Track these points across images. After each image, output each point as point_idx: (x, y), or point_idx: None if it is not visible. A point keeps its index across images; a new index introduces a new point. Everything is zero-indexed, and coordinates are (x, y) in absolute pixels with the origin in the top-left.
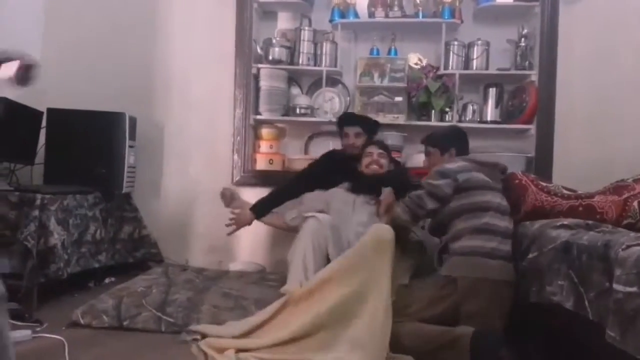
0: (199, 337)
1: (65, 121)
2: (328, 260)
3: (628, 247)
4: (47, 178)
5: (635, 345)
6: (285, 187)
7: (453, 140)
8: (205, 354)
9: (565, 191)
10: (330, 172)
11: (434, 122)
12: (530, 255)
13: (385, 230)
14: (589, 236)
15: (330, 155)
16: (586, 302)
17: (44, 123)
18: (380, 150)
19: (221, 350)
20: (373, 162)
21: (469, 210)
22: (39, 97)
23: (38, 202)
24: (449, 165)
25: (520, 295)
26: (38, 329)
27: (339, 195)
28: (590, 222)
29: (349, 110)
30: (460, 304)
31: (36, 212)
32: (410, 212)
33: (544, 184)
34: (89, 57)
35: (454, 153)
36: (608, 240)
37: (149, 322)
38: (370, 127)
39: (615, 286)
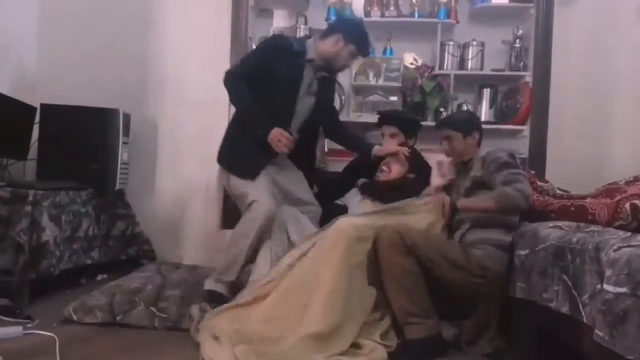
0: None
1: (58, 117)
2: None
3: (619, 248)
4: (39, 174)
5: (624, 345)
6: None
7: (475, 124)
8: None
9: (558, 191)
10: (366, 167)
11: (428, 122)
12: (522, 253)
13: (345, 226)
14: (579, 238)
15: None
16: (580, 306)
17: (37, 119)
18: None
19: (213, 338)
20: (382, 165)
21: None
22: (33, 92)
23: (30, 198)
24: (510, 159)
25: (509, 289)
26: (29, 325)
27: (350, 196)
28: (581, 224)
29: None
30: (478, 296)
31: (28, 208)
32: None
33: (540, 183)
34: (83, 52)
35: (477, 137)
36: (599, 241)
37: (142, 318)
38: (407, 128)
39: (606, 286)
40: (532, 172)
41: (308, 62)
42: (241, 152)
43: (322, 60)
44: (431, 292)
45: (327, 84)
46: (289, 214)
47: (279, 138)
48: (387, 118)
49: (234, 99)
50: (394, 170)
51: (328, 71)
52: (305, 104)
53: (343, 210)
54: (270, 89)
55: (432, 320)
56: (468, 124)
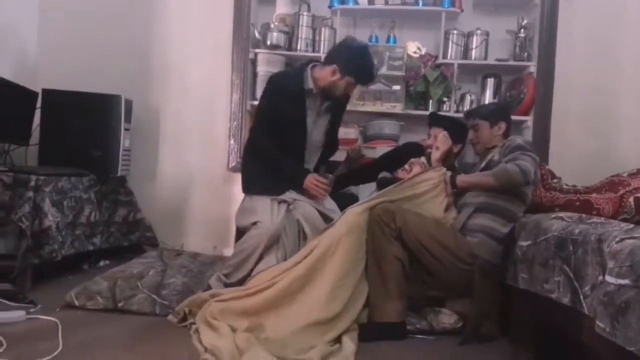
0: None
1: (60, 102)
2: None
3: (622, 239)
4: (41, 159)
5: (625, 336)
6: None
7: (503, 115)
8: (199, 334)
9: (565, 186)
10: (399, 162)
11: (431, 112)
12: (524, 243)
13: (354, 217)
14: (581, 229)
15: (404, 146)
16: (581, 297)
17: (39, 104)
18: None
19: (213, 327)
20: (408, 163)
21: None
22: (34, 77)
23: (32, 183)
24: (524, 144)
25: (509, 280)
26: (32, 310)
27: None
28: (583, 215)
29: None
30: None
31: (30, 194)
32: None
33: (549, 180)
34: (85, 38)
35: (503, 127)
36: (601, 233)
37: (144, 304)
38: (455, 133)
39: (608, 278)
40: (547, 167)
41: (308, 91)
42: (267, 172)
43: (320, 89)
44: (421, 280)
45: (339, 104)
46: (302, 208)
47: (315, 184)
48: (436, 119)
49: (266, 158)
50: (414, 171)
51: (329, 99)
52: (318, 130)
53: (352, 199)
54: (279, 128)
55: (398, 308)
56: (496, 114)
